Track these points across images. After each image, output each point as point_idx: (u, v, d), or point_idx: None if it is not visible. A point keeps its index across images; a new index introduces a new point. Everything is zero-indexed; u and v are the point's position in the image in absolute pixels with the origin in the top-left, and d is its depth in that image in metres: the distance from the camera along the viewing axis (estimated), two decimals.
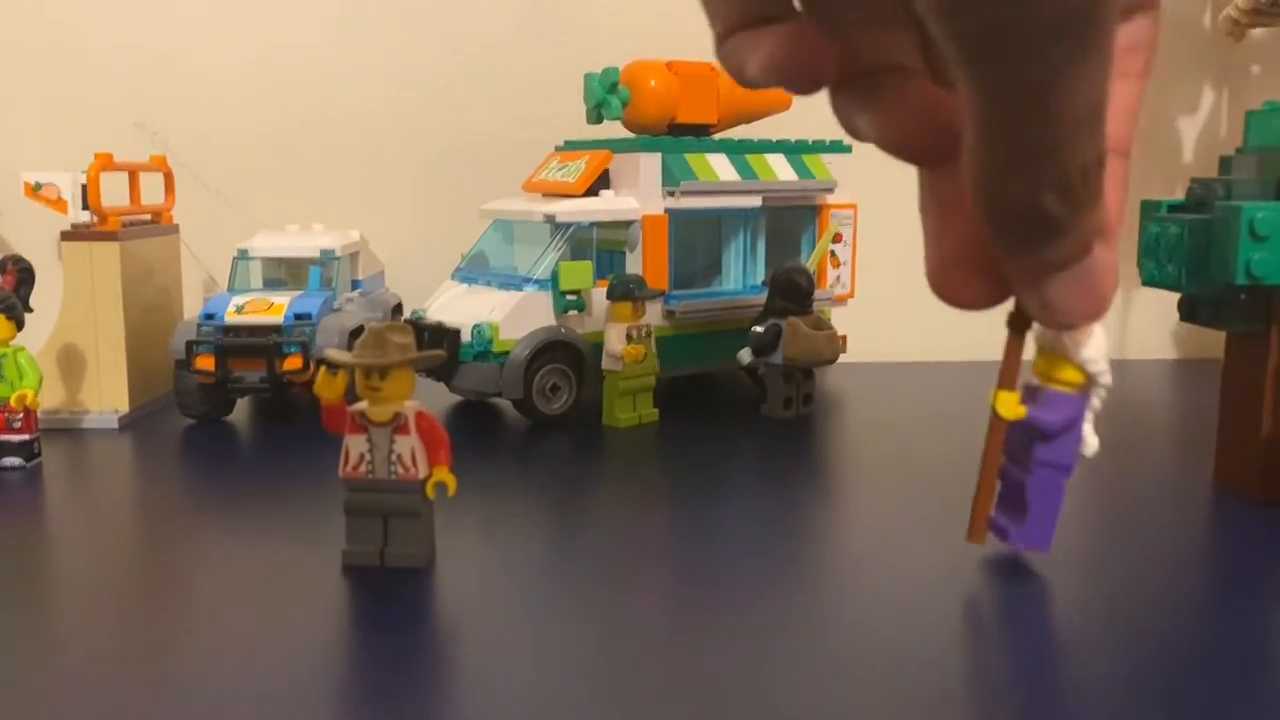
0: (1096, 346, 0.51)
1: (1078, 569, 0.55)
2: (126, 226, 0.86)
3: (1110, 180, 0.21)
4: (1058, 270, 0.20)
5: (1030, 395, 0.52)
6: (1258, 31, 1.08)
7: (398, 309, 0.99)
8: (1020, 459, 0.53)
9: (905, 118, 0.20)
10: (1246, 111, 0.65)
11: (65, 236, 0.84)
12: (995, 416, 0.49)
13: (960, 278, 0.22)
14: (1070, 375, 0.51)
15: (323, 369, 0.54)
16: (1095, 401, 0.52)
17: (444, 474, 0.53)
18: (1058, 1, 0.16)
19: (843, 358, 0.88)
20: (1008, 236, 0.19)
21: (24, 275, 0.76)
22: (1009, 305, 0.23)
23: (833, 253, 0.97)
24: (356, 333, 0.82)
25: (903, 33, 0.21)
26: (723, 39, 0.21)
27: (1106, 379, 0.51)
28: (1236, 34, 1.04)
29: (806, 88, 0.20)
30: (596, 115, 0.90)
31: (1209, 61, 1.13)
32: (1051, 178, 0.18)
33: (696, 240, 0.93)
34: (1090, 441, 0.53)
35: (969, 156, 0.18)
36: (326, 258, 0.88)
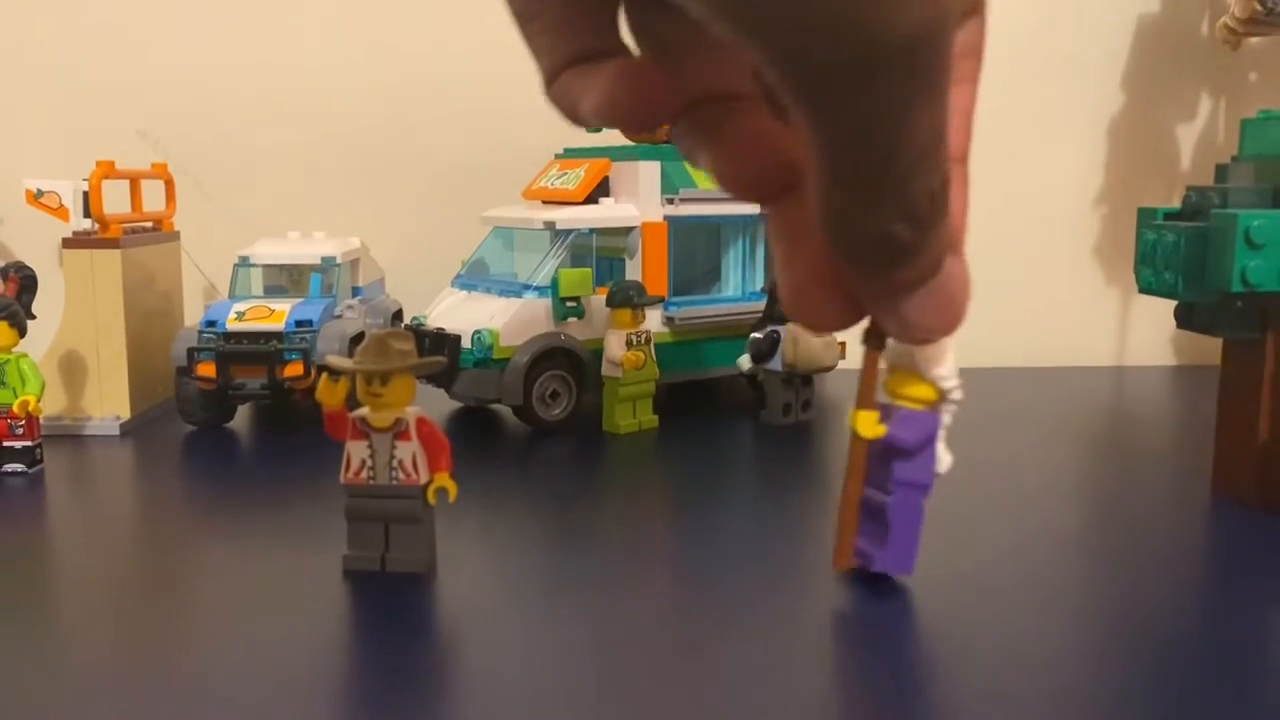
0: (948, 363, 0.51)
1: (1076, 576, 0.55)
2: (128, 234, 0.86)
3: (953, 191, 0.20)
4: (912, 289, 0.20)
5: (885, 414, 0.50)
6: (1254, 40, 1.08)
7: (398, 316, 0.99)
8: (878, 480, 0.52)
9: (742, 152, 0.20)
10: (1242, 120, 0.66)
11: (67, 244, 0.84)
12: (855, 437, 0.48)
13: (815, 300, 0.21)
14: (923, 392, 0.51)
15: (324, 375, 0.54)
16: (946, 418, 0.52)
17: (445, 480, 0.53)
18: (886, 36, 0.15)
19: (841, 364, 0.88)
20: (860, 266, 0.19)
21: (26, 282, 0.77)
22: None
23: None
24: (357, 339, 0.82)
25: (735, 58, 0.21)
26: (551, 77, 0.20)
27: (958, 395, 0.51)
28: (1233, 42, 1.04)
29: (645, 126, 0.20)
30: None
31: (1206, 70, 1.13)
32: (900, 208, 0.18)
33: (696, 247, 0.94)
34: (944, 459, 0.52)
35: (814, 194, 0.18)
36: (327, 265, 0.88)
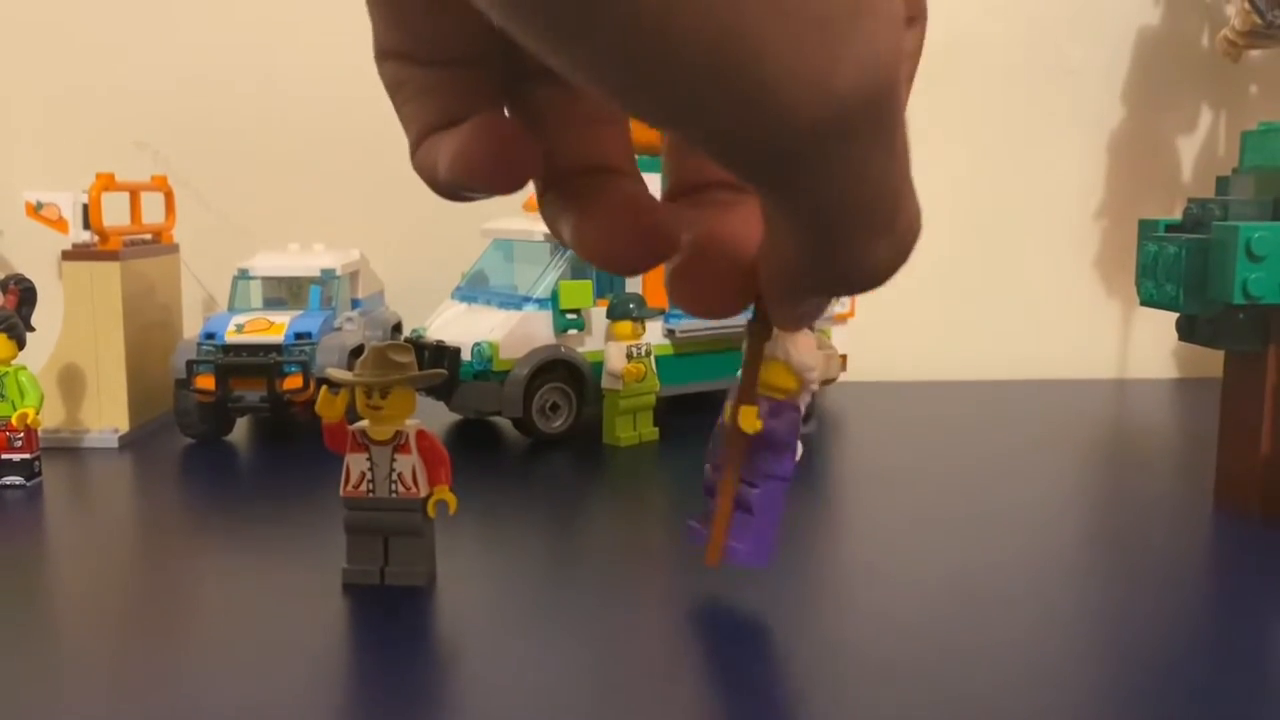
0: (810, 351, 0.50)
1: (1078, 588, 0.55)
2: (127, 246, 0.86)
3: None
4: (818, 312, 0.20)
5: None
6: (1254, 53, 1.08)
7: (398, 328, 0.99)
8: (745, 473, 0.51)
9: (616, 224, 0.19)
10: (1242, 132, 0.66)
11: (66, 256, 0.84)
12: (736, 432, 0.47)
13: (713, 283, 0.21)
14: (786, 381, 0.50)
15: (324, 388, 0.54)
16: (802, 408, 0.51)
17: (444, 493, 0.53)
18: (827, 102, 0.14)
19: (842, 377, 0.88)
20: (783, 307, 0.19)
21: (25, 295, 0.77)
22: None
23: None
24: (357, 352, 0.82)
25: (612, 130, 0.20)
26: (416, 145, 0.19)
27: (815, 385, 0.51)
28: (1233, 55, 1.05)
29: (504, 186, 0.18)
30: None
31: (1206, 82, 1.14)
32: (830, 274, 0.18)
33: None
34: (798, 449, 0.52)
35: (773, 268, 0.18)
36: (327, 277, 0.88)
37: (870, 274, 0.18)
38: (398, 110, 0.20)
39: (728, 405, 0.49)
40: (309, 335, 0.82)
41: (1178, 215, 0.66)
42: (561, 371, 0.83)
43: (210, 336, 0.82)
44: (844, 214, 0.17)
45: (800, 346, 0.50)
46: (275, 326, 0.82)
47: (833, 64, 0.14)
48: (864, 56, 0.14)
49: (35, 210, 0.87)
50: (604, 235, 0.19)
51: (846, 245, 0.17)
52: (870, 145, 0.15)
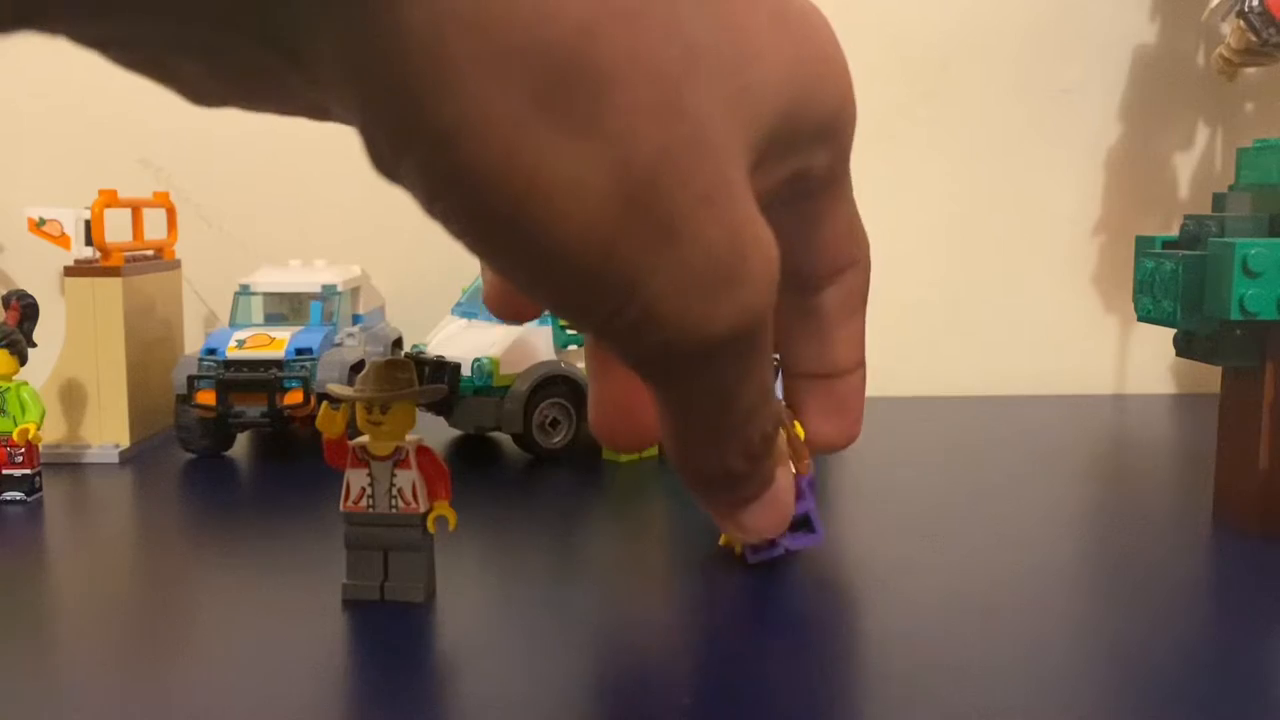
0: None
1: (1075, 604, 0.55)
2: (129, 262, 0.87)
3: (845, 392, 0.26)
4: (748, 504, 0.23)
5: None
6: (1250, 70, 1.09)
7: (398, 344, 1.00)
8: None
9: (603, 410, 0.25)
10: (1238, 149, 0.66)
11: (68, 272, 0.85)
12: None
13: (613, 422, 0.26)
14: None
15: (324, 403, 0.54)
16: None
17: (445, 508, 0.53)
18: (708, 334, 0.18)
19: None
20: (705, 493, 0.22)
21: (27, 310, 0.77)
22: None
23: None
24: (357, 367, 0.82)
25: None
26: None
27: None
28: (1229, 73, 1.05)
29: (507, 319, 0.26)
30: None
31: (1202, 100, 1.14)
32: (738, 449, 0.21)
33: None
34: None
35: (667, 443, 0.21)
36: (328, 293, 0.89)
37: (723, 476, 0.22)
38: None
39: None
40: (310, 351, 0.82)
41: (1174, 232, 0.67)
42: (562, 387, 0.83)
43: (211, 352, 0.82)
44: (702, 415, 0.20)
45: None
46: (276, 342, 0.82)
47: (709, 319, 0.18)
48: (736, 314, 0.18)
49: (37, 226, 0.87)
50: (599, 420, 0.26)
51: (699, 438, 0.21)
52: (732, 368, 0.19)
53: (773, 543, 0.52)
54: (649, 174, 0.16)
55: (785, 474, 0.23)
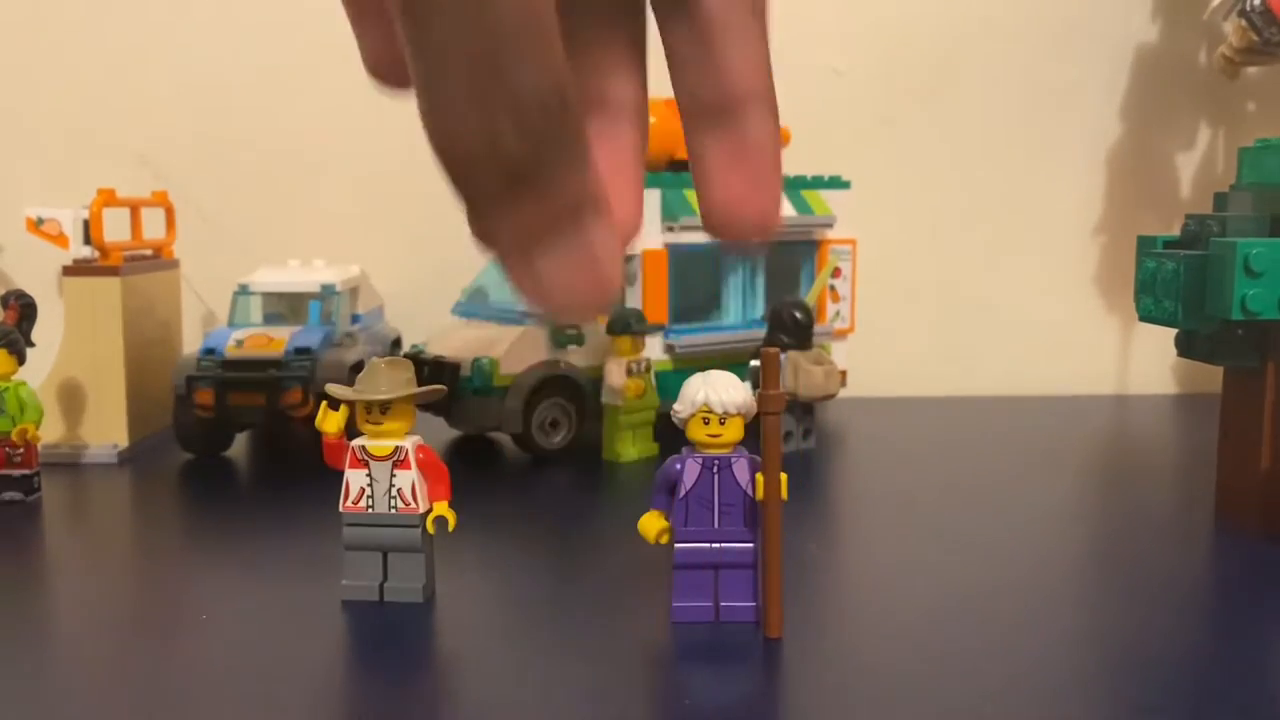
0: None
1: (1077, 605, 0.55)
2: (128, 261, 0.87)
3: (751, 135, 0.20)
4: (542, 237, 0.18)
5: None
6: (1252, 70, 1.09)
7: (397, 344, 0.99)
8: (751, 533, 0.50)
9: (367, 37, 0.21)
10: (1240, 149, 0.66)
11: (67, 271, 0.84)
12: (775, 502, 0.48)
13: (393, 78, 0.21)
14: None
15: (323, 404, 0.54)
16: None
17: (444, 509, 0.53)
18: None
19: (842, 392, 0.88)
20: (472, 187, 0.17)
21: (26, 310, 0.77)
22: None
23: (832, 287, 0.97)
24: (357, 367, 0.82)
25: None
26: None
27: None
28: (1231, 72, 1.05)
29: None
30: None
31: (1204, 99, 1.14)
32: (501, 103, 0.16)
33: (696, 275, 0.94)
34: None
35: (414, 78, 0.17)
36: (327, 293, 0.88)
37: (487, 149, 0.17)
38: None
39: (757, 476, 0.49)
40: (309, 351, 0.82)
41: (1176, 231, 0.66)
42: (561, 387, 0.83)
43: (210, 352, 0.82)
44: (448, 27, 0.16)
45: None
46: (275, 342, 0.82)
47: None
48: None
49: (36, 226, 0.87)
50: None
51: (447, 66, 0.17)
52: None
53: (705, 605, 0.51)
54: None
55: (602, 229, 0.18)
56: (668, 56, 0.20)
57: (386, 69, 0.20)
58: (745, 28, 0.20)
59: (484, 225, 0.18)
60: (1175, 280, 0.62)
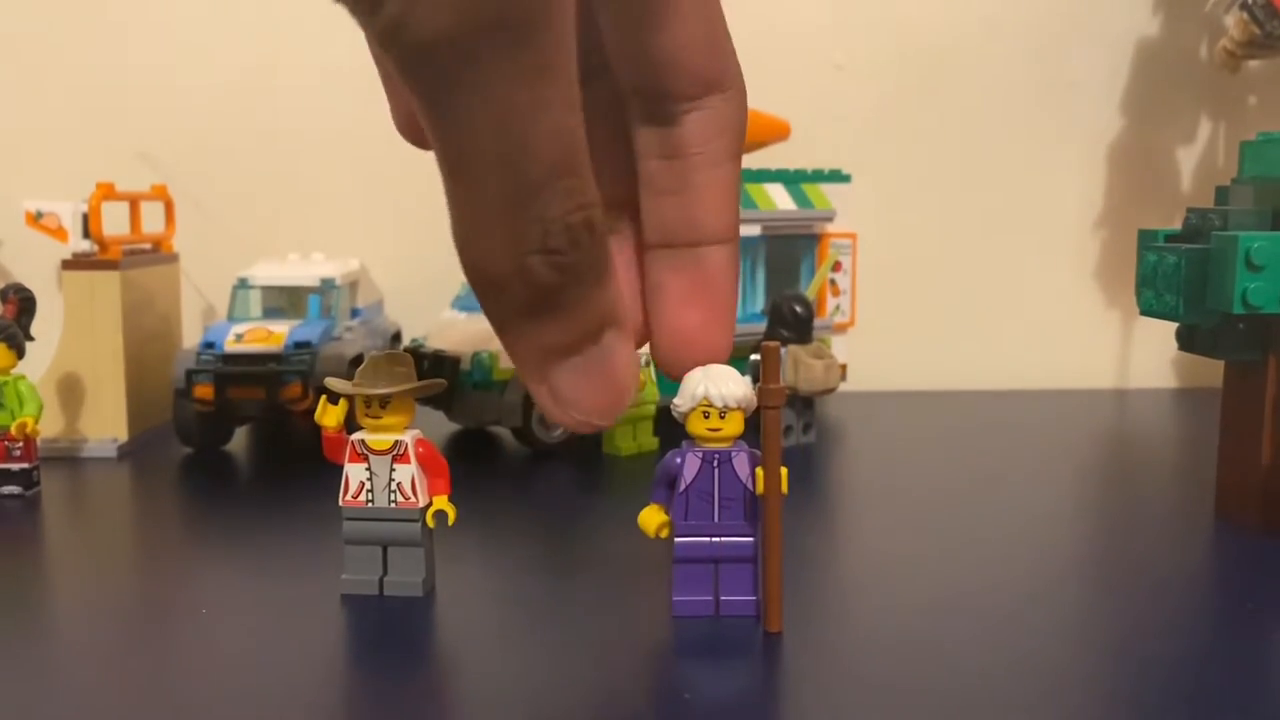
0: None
1: (1077, 600, 0.55)
2: (127, 255, 0.86)
3: (712, 270, 0.20)
4: (563, 356, 0.18)
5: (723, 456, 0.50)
6: (1253, 63, 1.09)
7: (397, 337, 0.99)
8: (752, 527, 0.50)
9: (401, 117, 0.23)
10: (1241, 142, 0.66)
11: (66, 265, 0.84)
12: (775, 496, 0.48)
13: (423, 142, 0.21)
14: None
15: (323, 397, 0.54)
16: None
17: (444, 503, 0.53)
18: (473, 10, 0.14)
19: (843, 386, 0.88)
20: (500, 307, 0.18)
21: (25, 304, 0.76)
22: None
23: (832, 281, 0.97)
24: (356, 361, 0.82)
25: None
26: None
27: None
28: (1232, 66, 1.05)
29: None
30: None
31: (1205, 93, 1.14)
32: (533, 234, 0.17)
33: None
34: None
35: (451, 210, 0.17)
36: (326, 286, 0.88)
37: (518, 277, 0.17)
38: None
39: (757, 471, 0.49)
40: (308, 344, 0.82)
41: (1177, 225, 0.66)
42: None
43: (209, 346, 0.81)
44: (482, 156, 0.16)
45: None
46: (275, 336, 0.82)
47: None
48: None
49: (35, 219, 0.87)
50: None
51: (481, 195, 0.17)
52: (502, 69, 0.15)
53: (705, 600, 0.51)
54: None
55: (620, 344, 0.19)
56: (642, 182, 0.21)
57: (416, 135, 0.20)
58: (720, 167, 0.21)
59: (508, 340, 0.18)
60: (1176, 274, 0.61)
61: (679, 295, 0.21)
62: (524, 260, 0.17)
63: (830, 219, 0.96)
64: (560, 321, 0.18)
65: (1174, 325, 0.65)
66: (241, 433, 0.89)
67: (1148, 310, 0.65)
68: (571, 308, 0.18)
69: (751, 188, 0.91)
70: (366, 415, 0.52)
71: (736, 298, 0.21)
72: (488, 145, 0.16)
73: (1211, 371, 0.70)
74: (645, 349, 0.81)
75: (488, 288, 0.18)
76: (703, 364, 0.21)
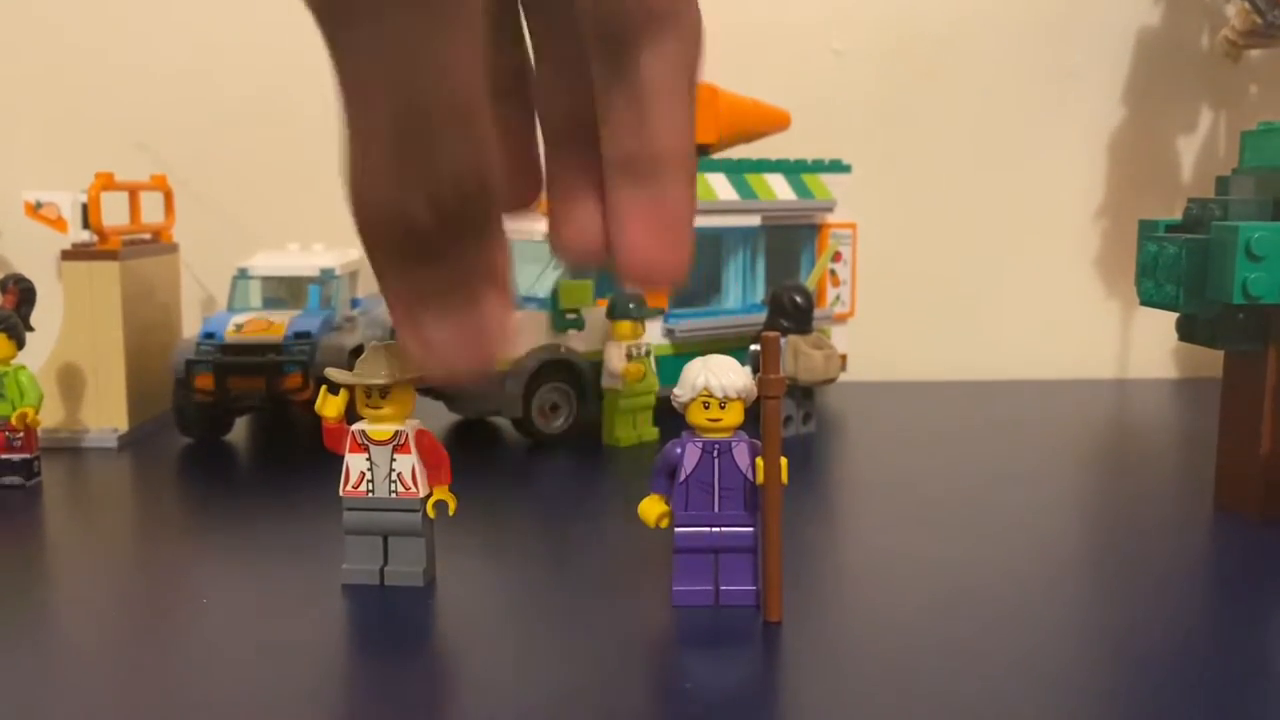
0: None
1: (1077, 590, 0.55)
2: (127, 245, 0.86)
3: (670, 195, 0.21)
4: (436, 306, 0.18)
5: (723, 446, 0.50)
6: (1255, 53, 1.08)
7: None
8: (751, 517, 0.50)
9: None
10: (1242, 132, 0.66)
11: (65, 255, 0.84)
12: (775, 486, 0.48)
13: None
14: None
15: (323, 388, 0.54)
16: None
17: (444, 493, 0.53)
18: None
19: (842, 376, 0.88)
20: (377, 247, 0.18)
21: (25, 294, 0.76)
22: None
23: (832, 271, 0.97)
24: (356, 351, 0.82)
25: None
26: None
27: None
28: (1233, 55, 1.05)
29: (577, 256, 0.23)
30: None
31: (1207, 83, 1.14)
32: (416, 178, 0.17)
33: (696, 259, 0.93)
34: None
35: (343, 149, 0.18)
36: (326, 276, 0.88)
37: (397, 220, 0.17)
38: None
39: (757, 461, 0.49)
40: (309, 335, 0.82)
41: (1178, 215, 0.66)
42: (562, 372, 0.83)
43: (210, 336, 0.81)
44: (373, 90, 0.17)
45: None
46: (275, 326, 0.82)
47: None
48: None
49: (34, 210, 0.86)
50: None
51: (370, 131, 0.17)
52: (417, 15, 0.15)
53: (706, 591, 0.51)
54: None
55: (496, 305, 0.19)
56: (600, 113, 0.21)
57: None
58: (677, 93, 0.21)
59: (384, 283, 0.18)
60: (1177, 264, 0.61)
61: (638, 216, 0.21)
62: (405, 203, 0.17)
63: (830, 209, 0.96)
64: (436, 269, 0.18)
65: (1174, 315, 0.65)
66: (242, 423, 0.89)
67: (1148, 300, 0.65)
68: (450, 259, 0.18)
69: (751, 178, 0.91)
70: (367, 405, 0.52)
71: (692, 220, 0.22)
72: (379, 78, 0.16)
73: (1211, 362, 0.70)
74: (645, 341, 0.81)
75: (367, 230, 0.18)
76: (662, 282, 0.21)
